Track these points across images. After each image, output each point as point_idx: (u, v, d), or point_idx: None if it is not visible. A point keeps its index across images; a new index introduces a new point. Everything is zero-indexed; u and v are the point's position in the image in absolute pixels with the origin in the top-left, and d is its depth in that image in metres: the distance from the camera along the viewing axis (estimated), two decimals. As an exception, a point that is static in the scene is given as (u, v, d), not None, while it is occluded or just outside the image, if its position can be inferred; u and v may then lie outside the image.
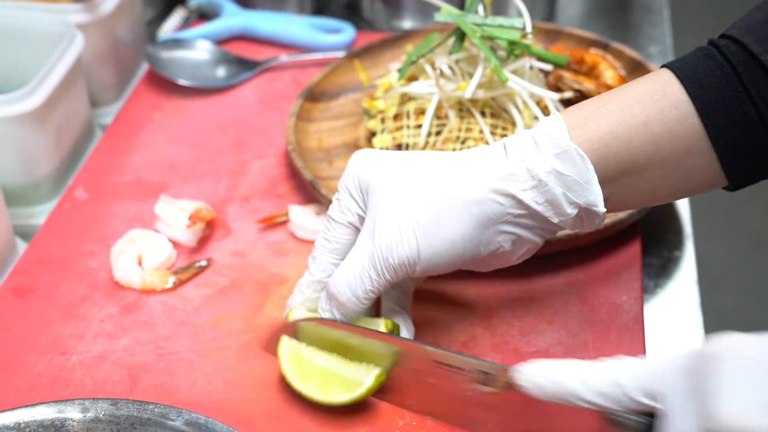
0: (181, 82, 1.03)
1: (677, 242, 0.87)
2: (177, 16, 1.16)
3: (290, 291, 0.80)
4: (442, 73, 0.90)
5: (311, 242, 0.85)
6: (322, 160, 0.92)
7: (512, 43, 0.86)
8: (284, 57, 1.09)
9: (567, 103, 0.91)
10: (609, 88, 0.94)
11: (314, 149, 0.93)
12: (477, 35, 0.86)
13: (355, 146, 0.95)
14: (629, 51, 1.01)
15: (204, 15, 1.18)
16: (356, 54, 1.04)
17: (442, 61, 0.88)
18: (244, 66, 1.07)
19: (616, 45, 1.02)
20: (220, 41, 1.12)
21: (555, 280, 0.81)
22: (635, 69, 1.00)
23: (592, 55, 0.99)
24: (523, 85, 0.86)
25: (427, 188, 0.66)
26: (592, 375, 0.56)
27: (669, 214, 0.90)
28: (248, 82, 1.07)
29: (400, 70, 0.90)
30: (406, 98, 0.92)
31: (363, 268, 0.66)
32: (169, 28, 1.14)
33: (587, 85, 0.91)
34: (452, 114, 0.88)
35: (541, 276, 0.81)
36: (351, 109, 0.99)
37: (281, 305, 0.77)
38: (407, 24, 1.19)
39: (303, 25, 1.12)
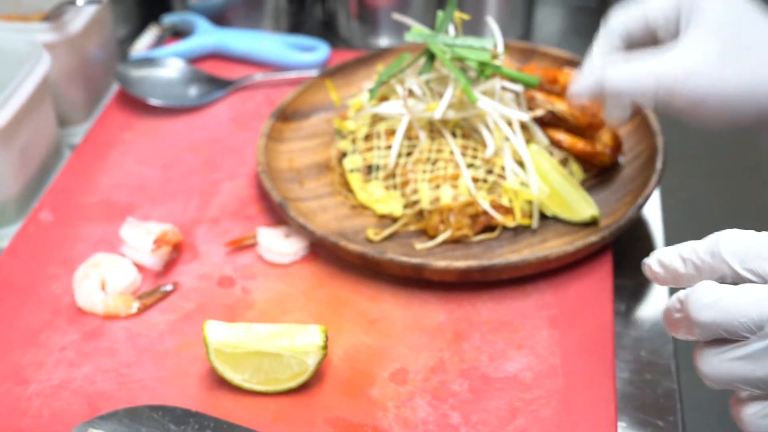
0: (152, 101, 1.02)
1: (650, 264, 0.86)
2: (150, 34, 1.15)
3: (258, 316, 0.79)
4: (412, 94, 0.89)
5: (280, 266, 0.84)
6: (293, 180, 0.91)
7: (482, 64, 0.85)
8: (258, 76, 1.08)
9: (540, 122, 0.91)
10: (581, 108, 0.93)
11: (285, 170, 0.92)
12: (447, 56, 0.85)
13: (326, 167, 0.94)
14: (603, 70, 1.01)
15: (178, 33, 1.17)
16: (329, 73, 1.03)
17: (413, 82, 0.87)
18: (217, 85, 1.06)
19: (591, 64, 1.02)
20: (194, 60, 1.11)
21: (525, 303, 0.80)
22: (609, 88, 0.99)
23: (566, 74, 0.98)
24: (493, 105, 0.85)
25: None
26: None
27: (642, 233, 0.89)
28: (221, 101, 1.06)
29: (370, 91, 0.89)
30: (377, 119, 0.91)
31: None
32: (141, 46, 1.13)
33: (559, 105, 0.90)
34: (423, 135, 0.88)
35: (511, 299, 0.80)
36: (323, 129, 0.98)
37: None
38: (384, 42, 1.18)
39: (277, 44, 1.11)
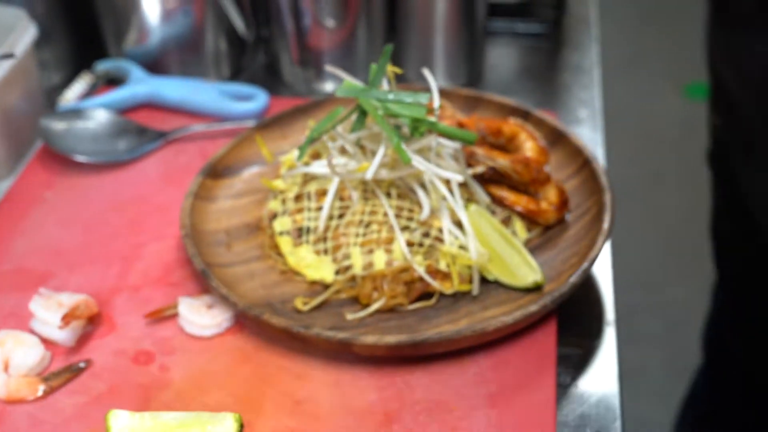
0: (77, 157, 0.96)
1: (597, 329, 0.81)
2: (82, 83, 1.10)
3: (173, 397, 0.73)
4: (344, 152, 0.84)
5: (202, 339, 0.78)
6: (220, 243, 0.86)
7: (416, 121, 0.80)
8: (194, 127, 1.02)
9: (481, 179, 0.86)
10: (528, 161, 0.89)
11: (212, 231, 0.87)
12: (379, 112, 0.81)
13: (257, 227, 0.89)
14: (550, 120, 0.96)
15: (112, 80, 1.12)
16: (264, 125, 0.98)
17: (344, 140, 0.82)
18: (148, 137, 1.01)
19: (537, 113, 0.97)
20: (126, 110, 1.06)
21: (462, 379, 0.75)
22: (557, 139, 0.95)
23: (511, 125, 0.93)
24: (427, 165, 0.80)
25: None
26: None
27: (590, 296, 0.84)
28: (151, 155, 1.00)
29: (300, 149, 0.84)
30: (308, 178, 0.86)
31: None
32: (72, 96, 1.07)
33: (501, 160, 0.85)
34: (356, 195, 0.82)
35: (448, 375, 0.75)
36: (256, 186, 0.93)
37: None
38: (329, 86, 1.13)
39: (213, 92, 1.06)
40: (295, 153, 0.87)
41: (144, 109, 1.07)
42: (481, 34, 1.15)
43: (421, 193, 0.81)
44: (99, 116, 1.01)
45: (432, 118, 0.81)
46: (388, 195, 0.83)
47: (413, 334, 0.74)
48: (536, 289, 0.80)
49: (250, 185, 0.93)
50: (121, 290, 0.83)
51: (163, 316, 0.80)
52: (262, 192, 0.92)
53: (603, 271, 0.87)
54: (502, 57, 1.23)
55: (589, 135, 1.06)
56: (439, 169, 0.80)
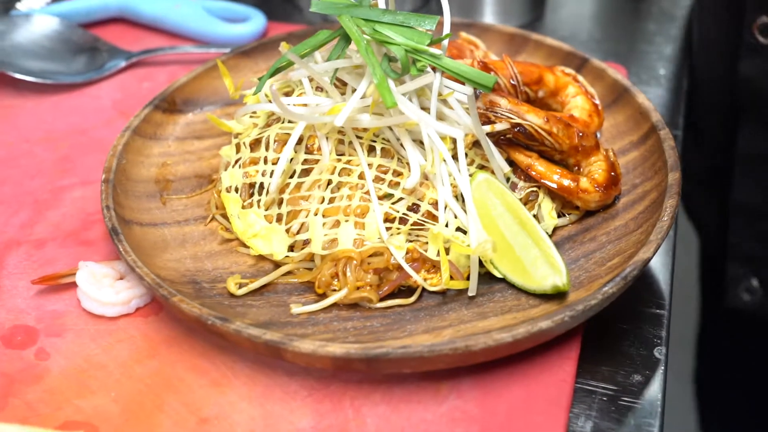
0: (12, 74, 0.78)
1: (641, 361, 0.59)
2: (51, -11, 0.91)
3: (42, 396, 0.54)
4: (319, 89, 0.63)
5: (102, 319, 0.59)
6: (153, 196, 0.66)
7: (412, 51, 0.59)
8: (165, 49, 0.83)
9: (502, 140, 0.63)
10: (573, 121, 0.66)
11: (147, 179, 0.67)
12: (362, 36, 0.59)
13: (208, 180, 0.69)
14: (612, 72, 0.73)
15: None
16: (243, 52, 0.77)
17: (311, 71, 0.61)
18: (108, 57, 0.82)
19: (596, 63, 0.74)
20: (93, 23, 0.87)
21: (435, 411, 0.54)
22: (618, 98, 0.72)
23: (558, 74, 0.71)
24: (419, 114, 0.58)
25: None
26: None
27: (634, 312, 0.61)
28: (109, 80, 0.81)
29: (260, 79, 0.63)
30: (272, 120, 0.65)
31: None
32: (35, 2, 0.89)
33: (532, 117, 0.63)
34: (326, 147, 0.61)
35: (416, 403, 0.54)
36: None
37: (25, 413, 0.52)
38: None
39: (198, 10, 0.86)
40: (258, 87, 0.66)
41: (116, 25, 0.88)
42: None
43: (411, 151, 0.59)
44: (49, 27, 0.82)
45: (437, 51, 0.59)
46: (371, 150, 0.61)
47: (370, 344, 0.53)
48: (557, 296, 0.57)
49: (214, 125, 0.73)
50: (20, 243, 0.65)
51: (59, 284, 0.61)
52: (228, 135, 0.72)
53: (658, 277, 0.64)
54: (571, -3, 1.00)
55: (667, 98, 0.82)
56: (436, 121, 0.58)
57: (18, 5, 0.88)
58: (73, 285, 0.61)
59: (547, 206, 0.63)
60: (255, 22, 0.85)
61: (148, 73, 0.82)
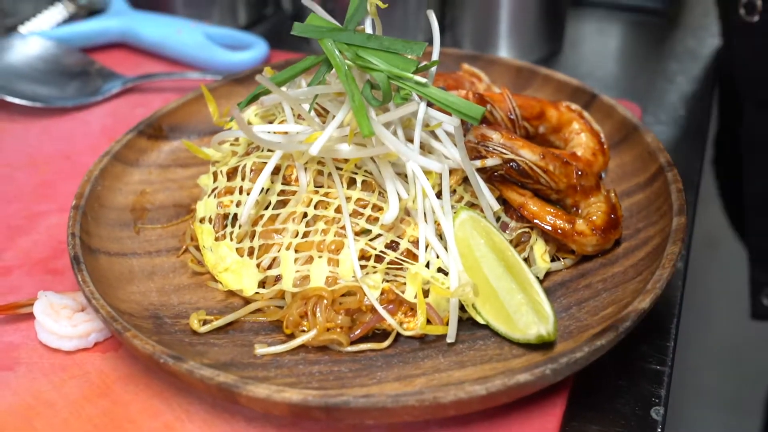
0: (8, 98, 0.76)
1: (635, 419, 0.53)
2: (57, 12, 0.89)
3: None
4: (301, 117, 0.59)
5: (59, 353, 0.56)
6: (127, 224, 0.63)
7: (395, 78, 0.55)
8: (160, 75, 0.80)
9: (494, 177, 0.59)
10: (575, 159, 0.62)
11: (123, 207, 0.64)
12: (343, 61, 0.55)
13: (187, 210, 0.66)
14: (622, 109, 0.69)
15: (96, 13, 0.91)
16: (236, 79, 0.74)
17: (287, 100, 0.57)
18: (103, 82, 0.80)
19: (606, 99, 0.70)
20: (95, 48, 0.85)
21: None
22: (627, 136, 0.67)
23: (562, 109, 0.66)
24: (397, 145, 0.54)
25: None
26: None
27: (632, 366, 0.56)
28: (103, 104, 0.79)
29: (240, 104, 0.60)
30: (252, 147, 0.62)
31: None
32: (39, 25, 0.87)
33: (526, 153, 0.59)
34: (304, 178, 0.58)
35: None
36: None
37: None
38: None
39: (199, 36, 0.83)
40: (235, 112, 0.63)
41: (117, 50, 0.86)
42: (562, 1, 0.88)
43: (391, 185, 0.55)
44: (45, 49, 0.80)
45: (422, 79, 0.55)
46: (352, 183, 0.58)
47: (331, 391, 0.48)
48: (543, 346, 0.53)
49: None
50: (-14, 270, 0.62)
51: (16, 314, 0.58)
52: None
53: (661, 329, 0.59)
54: (592, 33, 0.95)
55: (685, 139, 0.78)
56: (417, 153, 0.54)
57: (21, 28, 0.86)
58: (32, 316, 0.58)
59: (539, 249, 0.59)
60: (257, 50, 0.82)
61: (143, 99, 0.79)
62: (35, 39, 0.79)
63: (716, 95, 0.86)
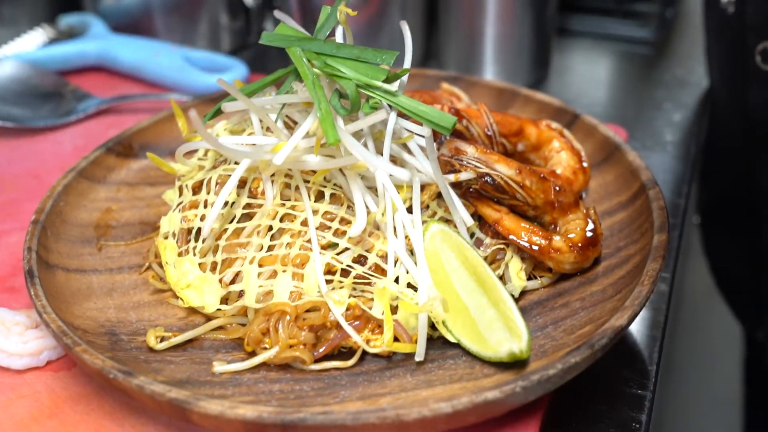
0: (-27, 116, 0.74)
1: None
2: (36, 36, 0.88)
3: None
4: (267, 129, 0.57)
5: (9, 372, 0.53)
6: (90, 241, 0.61)
7: (364, 87, 0.53)
8: (135, 96, 0.79)
9: (469, 192, 0.57)
10: (555, 177, 0.60)
11: (87, 224, 0.62)
12: (311, 70, 0.54)
13: (153, 227, 0.63)
14: (603, 129, 0.67)
15: (76, 36, 0.90)
16: (211, 98, 0.73)
17: (253, 108, 0.55)
18: (76, 103, 0.78)
19: (588, 119, 0.68)
20: (73, 70, 0.84)
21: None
22: (609, 156, 0.65)
23: (541, 127, 0.64)
24: (365, 154, 0.52)
25: None
26: None
27: (611, 385, 0.54)
28: (76, 125, 0.77)
29: (207, 116, 0.58)
30: (220, 161, 0.60)
31: None
32: (17, 48, 0.86)
33: (501, 167, 0.56)
34: (270, 190, 0.56)
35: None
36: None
37: None
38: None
39: (177, 59, 0.82)
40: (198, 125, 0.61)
41: (94, 73, 0.85)
42: (548, 28, 0.87)
43: (358, 197, 0.53)
44: (18, 71, 0.78)
45: (391, 87, 0.54)
46: (321, 196, 0.56)
47: (288, 408, 0.46)
48: (516, 365, 0.50)
49: (171, 173, 0.67)
50: (-60, 288, 0.60)
51: (-33, 330, 0.55)
52: (185, 183, 0.67)
53: (644, 352, 0.56)
54: (579, 62, 0.94)
55: (672, 165, 0.76)
56: (385, 163, 0.52)
57: (5, 47, 0.85)
58: (-17, 333, 0.55)
59: (515, 266, 0.56)
60: (235, 72, 0.81)
61: (118, 120, 0.78)
62: (9, 62, 0.78)
63: (704, 126, 0.84)
